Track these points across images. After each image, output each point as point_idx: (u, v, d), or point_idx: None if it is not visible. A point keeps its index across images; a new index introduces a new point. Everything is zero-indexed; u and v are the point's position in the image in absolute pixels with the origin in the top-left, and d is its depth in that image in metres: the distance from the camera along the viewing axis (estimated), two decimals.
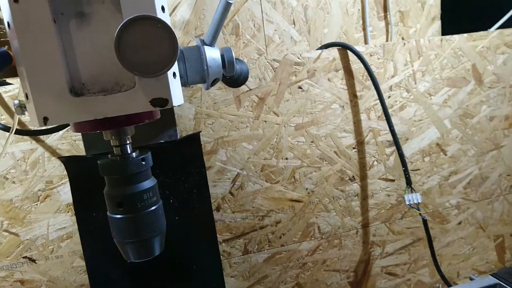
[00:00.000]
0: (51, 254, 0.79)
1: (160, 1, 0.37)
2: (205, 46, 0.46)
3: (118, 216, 0.43)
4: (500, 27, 1.01)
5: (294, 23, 0.95)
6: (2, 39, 0.39)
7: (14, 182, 0.75)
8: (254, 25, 0.91)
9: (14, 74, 0.38)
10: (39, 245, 0.78)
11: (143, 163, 0.43)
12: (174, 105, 0.39)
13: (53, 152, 0.75)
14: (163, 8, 0.38)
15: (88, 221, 0.64)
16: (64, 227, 0.78)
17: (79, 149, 0.76)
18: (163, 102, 0.38)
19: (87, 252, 0.65)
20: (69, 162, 0.63)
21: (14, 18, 0.34)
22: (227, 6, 0.45)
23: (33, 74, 0.35)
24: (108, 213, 0.45)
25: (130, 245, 0.44)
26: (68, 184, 0.77)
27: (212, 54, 0.46)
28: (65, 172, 0.75)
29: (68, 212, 0.78)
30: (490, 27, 1.01)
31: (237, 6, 0.90)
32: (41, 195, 0.76)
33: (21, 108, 0.41)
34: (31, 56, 0.35)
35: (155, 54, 0.34)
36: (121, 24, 0.33)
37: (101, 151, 0.61)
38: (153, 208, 0.44)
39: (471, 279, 0.76)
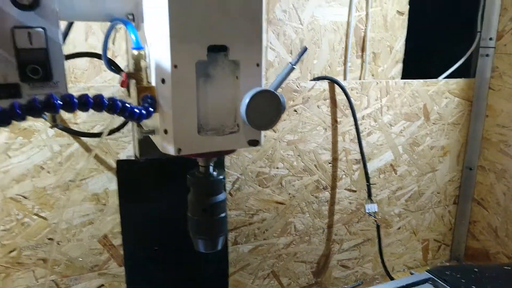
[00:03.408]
0: (73, 237, 0.88)
1: (262, 71, 0.53)
2: None
3: (201, 218, 0.58)
4: (447, 77, 1.27)
5: (291, 53, 1.12)
6: (143, 85, 0.51)
7: (48, 172, 0.84)
8: None
9: None
10: (64, 229, 0.87)
11: (223, 180, 0.58)
12: (261, 144, 0.54)
13: (86, 148, 0.85)
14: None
15: (131, 216, 0.77)
16: (88, 214, 0.89)
17: (110, 148, 0.87)
18: (256, 142, 0.54)
19: (127, 241, 0.78)
20: (122, 164, 0.74)
21: (172, 77, 0.47)
22: (291, 69, 0.61)
23: (178, 117, 0.48)
24: (189, 214, 0.59)
25: (204, 240, 0.59)
26: (96, 177, 0.87)
27: None
28: (95, 166, 0.86)
29: (93, 201, 0.88)
30: (439, 75, 1.27)
31: None
32: (70, 185, 0.86)
33: (145, 133, 0.54)
34: (179, 104, 0.48)
35: (267, 114, 0.50)
36: (250, 95, 0.48)
37: (153, 157, 0.74)
38: (224, 214, 0.59)
39: (411, 273, 1.00)
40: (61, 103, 0.37)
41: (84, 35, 0.88)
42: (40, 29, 0.46)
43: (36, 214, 0.85)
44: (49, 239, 0.87)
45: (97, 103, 0.39)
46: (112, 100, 0.40)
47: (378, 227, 1.13)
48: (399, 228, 1.29)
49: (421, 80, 1.20)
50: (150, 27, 0.50)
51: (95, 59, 0.90)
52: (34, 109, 0.35)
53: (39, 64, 0.46)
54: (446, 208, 1.35)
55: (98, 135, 0.80)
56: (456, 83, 1.25)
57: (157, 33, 0.48)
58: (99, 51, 0.88)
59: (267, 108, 0.49)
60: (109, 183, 0.88)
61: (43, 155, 0.83)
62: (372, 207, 1.12)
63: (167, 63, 0.47)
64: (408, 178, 1.26)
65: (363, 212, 1.21)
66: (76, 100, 0.37)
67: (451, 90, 1.25)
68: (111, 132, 0.80)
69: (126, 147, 0.88)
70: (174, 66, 0.47)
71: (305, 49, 0.59)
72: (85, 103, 0.38)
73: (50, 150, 0.83)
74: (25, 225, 0.84)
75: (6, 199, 0.82)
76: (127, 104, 0.42)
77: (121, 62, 0.90)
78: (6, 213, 0.82)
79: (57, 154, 0.83)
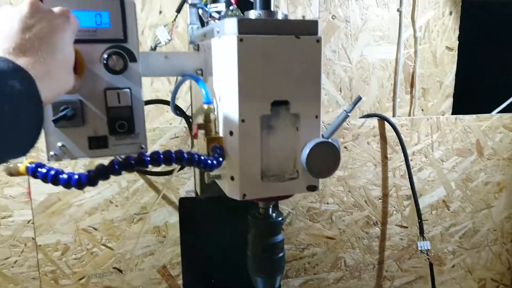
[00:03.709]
0: (135, 266, 0.95)
1: (321, 122, 0.56)
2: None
3: (260, 257, 0.61)
4: (500, 111, 1.24)
5: (340, 91, 1.15)
6: (212, 136, 0.56)
7: (116, 206, 0.91)
8: None
9: None
10: (127, 259, 0.94)
11: (282, 222, 0.62)
12: (319, 189, 0.57)
13: (150, 184, 0.92)
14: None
15: (191, 249, 0.82)
16: (149, 246, 0.95)
17: (171, 184, 0.93)
18: (314, 188, 0.57)
19: (186, 273, 0.82)
20: (184, 202, 0.80)
21: (240, 130, 0.52)
22: (346, 117, 0.64)
23: (243, 166, 0.53)
24: (249, 252, 0.63)
25: (263, 278, 0.62)
26: (158, 211, 0.93)
27: None
28: (157, 201, 0.92)
29: (154, 233, 0.94)
30: (492, 110, 1.25)
31: None
32: (135, 218, 0.93)
33: (212, 178, 0.59)
34: (245, 154, 0.53)
35: (326, 163, 0.53)
36: (310, 146, 0.52)
37: (213, 195, 0.79)
38: (282, 254, 0.63)
39: None
40: (150, 159, 0.42)
41: (150, 80, 0.96)
42: (127, 90, 0.52)
43: (103, 245, 0.92)
44: (114, 268, 0.93)
45: (178, 158, 0.44)
46: (190, 154, 0.46)
47: (431, 265, 1.11)
48: (453, 266, 1.26)
49: (473, 115, 1.19)
50: (219, 82, 0.55)
51: None
52: (128, 166, 0.41)
53: (125, 119, 0.53)
54: (503, 246, 1.30)
55: (164, 173, 0.86)
56: (511, 118, 1.23)
57: (226, 89, 0.53)
58: (163, 93, 0.96)
59: (326, 158, 0.53)
60: (169, 216, 0.95)
61: (112, 190, 0.90)
62: (424, 244, 1.10)
63: (235, 118, 0.52)
64: (462, 214, 1.23)
65: (414, 248, 1.19)
66: (162, 157, 0.43)
67: (506, 124, 1.22)
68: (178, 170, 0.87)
69: (186, 183, 0.94)
70: (242, 120, 0.52)
71: (359, 99, 0.62)
72: (169, 158, 0.43)
73: (118, 186, 0.90)
74: (93, 254, 0.92)
75: (79, 230, 0.89)
76: (202, 157, 0.47)
77: (182, 103, 0.97)
78: (79, 243, 0.90)
79: (124, 189, 0.91)
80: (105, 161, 0.46)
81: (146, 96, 0.98)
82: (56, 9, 0.44)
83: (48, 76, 0.39)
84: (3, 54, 0.37)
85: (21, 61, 0.36)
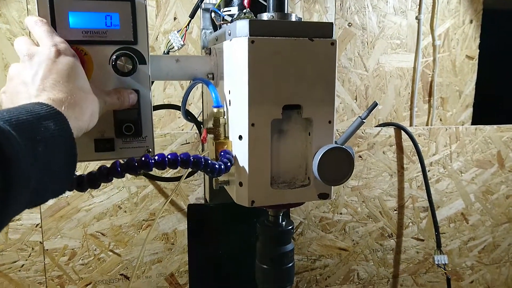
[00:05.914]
0: (143, 274, 0.93)
1: (334, 127, 0.54)
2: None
3: (269, 267, 0.59)
4: None
5: (356, 99, 1.13)
6: (221, 140, 0.55)
7: (125, 211, 0.90)
8: None
9: None
10: (134, 266, 0.92)
11: (292, 230, 0.60)
12: (331, 198, 0.55)
13: (160, 190, 0.91)
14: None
15: (199, 257, 0.80)
16: (157, 253, 0.93)
17: (181, 190, 0.92)
18: (325, 196, 0.55)
19: (193, 281, 0.80)
20: (193, 209, 0.78)
21: (249, 134, 0.50)
22: (361, 123, 0.62)
23: (253, 172, 0.51)
24: (257, 262, 0.61)
25: None
26: (167, 217, 0.92)
27: None
28: (166, 207, 0.91)
29: (163, 240, 0.93)
30: None
31: None
32: (144, 224, 0.91)
33: (220, 183, 0.57)
34: (254, 159, 0.51)
35: (339, 170, 0.51)
36: (323, 152, 0.50)
37: (222, 201, 0.77)
38: (291, 264, 0.60)
39: None
40: (154, 161, 0.41)
41: (163, 86, 0.95)
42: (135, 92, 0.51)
43: (111, 251, 0.90)
44: (121, 275, 0.92)
45: (184, 161, 0.43)
46: (197, 158, 0.44)
47: (448, 280, 1.07)
48: (471, 282, 1.21)
49: (494, 126, 1.15)
50: (229, 86, 0.54)
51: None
52: (132, 168, 0.40)
53: (132, 122, 0.51)
54: None
55: (174, 179, 0.85)
56: None
57: (236, 92, 0.51)
58: (175, 99, 0.95)
59: (339, 165, 0.51)
60: (178, 223, 0.93)
61: (121, 196, 0.89)
62: (442, 258, 1.06)
63: (244, 122, 0.50)
64: (481, 228, 1.18)
65: (431, 262, 1.15)
66: (167, 159, 0.41)
67: None
68: (187, 176, 0.85)
69: (196, 189, 0.92)
70: (252, 124, 0.50)
71: (375, 105, 0.60)
72: (174, 161, 0.42)
73: (127, 191, 0.89)
74: (101, 260, 0.90)
75: (86, 235, 0.89)
76: (209, 161, 0.46)
77: (194, 110, 0.96)
78: (86, 248, 0.89)
79: (133, 195, 0.90)
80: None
81: (159, 101, 0.98)
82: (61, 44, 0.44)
83: (77, 108, 0.39)
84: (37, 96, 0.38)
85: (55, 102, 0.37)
